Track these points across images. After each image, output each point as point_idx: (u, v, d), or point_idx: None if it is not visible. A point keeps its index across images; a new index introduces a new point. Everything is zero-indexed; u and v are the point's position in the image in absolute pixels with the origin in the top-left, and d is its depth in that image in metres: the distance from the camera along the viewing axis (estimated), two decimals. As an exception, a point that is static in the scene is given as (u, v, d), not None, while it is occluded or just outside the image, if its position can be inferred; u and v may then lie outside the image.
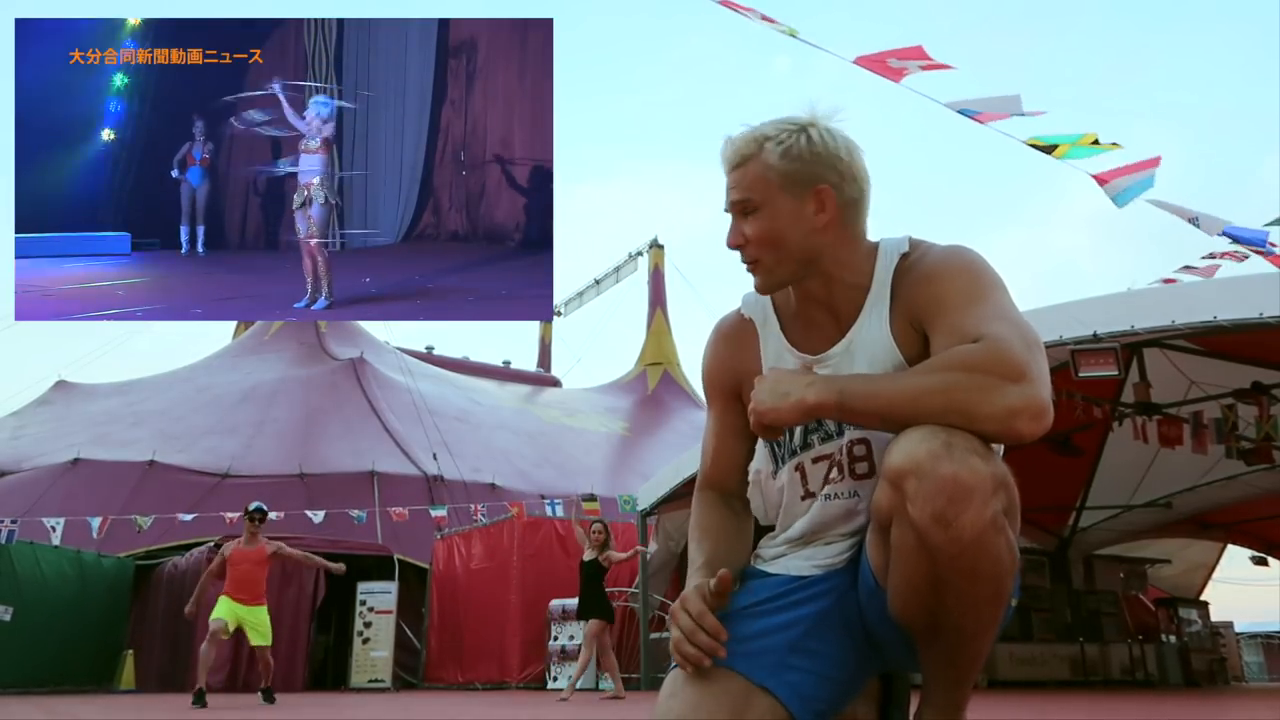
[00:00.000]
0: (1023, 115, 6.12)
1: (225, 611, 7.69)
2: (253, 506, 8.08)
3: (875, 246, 1.52)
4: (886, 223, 1.61)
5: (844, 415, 1.37)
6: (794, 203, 1.46)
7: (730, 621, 1.45)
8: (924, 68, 5.83)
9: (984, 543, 1.23)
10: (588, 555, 8.95)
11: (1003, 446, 1.51)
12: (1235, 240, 7.43)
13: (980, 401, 1.25)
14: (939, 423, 1.25)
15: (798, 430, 1.53)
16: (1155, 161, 6.73)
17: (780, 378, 1.40)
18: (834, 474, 1.49)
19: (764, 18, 5.69)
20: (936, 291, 1.43)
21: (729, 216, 1.53)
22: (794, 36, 5.86)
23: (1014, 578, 1.31)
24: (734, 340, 1.63)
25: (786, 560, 1.54)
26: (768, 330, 1.60)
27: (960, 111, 6.14)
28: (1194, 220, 6.89)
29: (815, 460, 1.52)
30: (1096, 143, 6.31)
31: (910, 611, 1.34)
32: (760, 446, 1.60)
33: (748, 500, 1.63)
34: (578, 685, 10.33)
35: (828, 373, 1.47)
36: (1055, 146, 6.41)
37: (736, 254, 1.53)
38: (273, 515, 13.61)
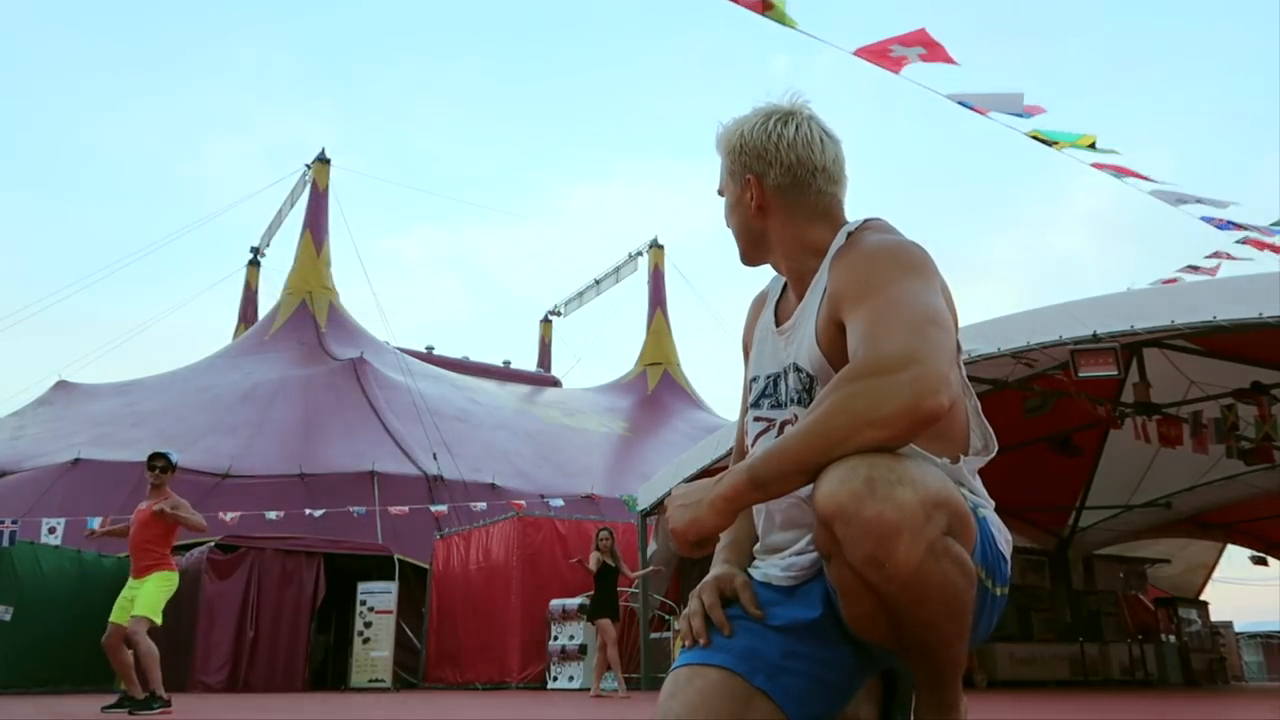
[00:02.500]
0: (1021, 116, 6.13)
1: (117, 607, 6.53)
2: (155, 450, 6.49)
3: (843, 226, 1.58)
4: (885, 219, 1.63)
5: (765, 489, 1.32)
6: (738, 190, 1.62)
7: (731, 623, 1.47)
8: (923, 57, 5.77)
9: (924, 573, 1.21)
10: (610, 562, 9.08)
11: (995, 446, 1.52)
12: (1239, 227, 7.46)
13: (880, 403, 1.22)
14: (854, 443, 1.23)
15: (756, 388, 1.61)
16: (1149, 178, 6.80)
17: (687, 489, 1.40)
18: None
19: (764, 5, 5.64)
20: (849, 280, 1.44)
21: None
22: (794, 28, 5.83)
23: (973, 588, 1.29)
24: (752, 311, 1.78)
25: (766, 568, 1.55)
26: (770, 301, 1.71)
27: (960, 102, 6.15)
28: (1200, 199, 6.90)
29: (757, 419, 1.58)
30: (1094, 146, 6.34)
31: (870, 635, 1.34)
32: (754, 427, 1.63)
33: None
34: (582, 685, 10.34)
35: (786, 340, 1.56)
36: (1056, 141, 6.43)
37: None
38: (272, 515, 13.69)
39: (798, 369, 1.52)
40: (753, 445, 1.61)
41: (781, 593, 1.50)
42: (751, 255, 1.66)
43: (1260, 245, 8.02)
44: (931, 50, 5.75)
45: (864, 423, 1.23)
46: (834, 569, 1.30)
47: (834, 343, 1.44)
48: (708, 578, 1.56)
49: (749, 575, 1.56)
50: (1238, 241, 8.45)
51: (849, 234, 1.54)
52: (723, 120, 1.66)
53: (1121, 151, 6.45)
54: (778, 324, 1.62)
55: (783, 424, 1.53)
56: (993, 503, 1.48)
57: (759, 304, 1.76)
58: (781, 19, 5.74)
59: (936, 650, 1.33)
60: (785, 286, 1.69)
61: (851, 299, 1.40)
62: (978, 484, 1.49)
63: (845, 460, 1.23)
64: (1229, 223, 7.61)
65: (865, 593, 1.26)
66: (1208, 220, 7.51)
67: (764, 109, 1.62)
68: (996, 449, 1.52)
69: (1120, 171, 6.78)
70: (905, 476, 1.21)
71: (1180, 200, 7.07)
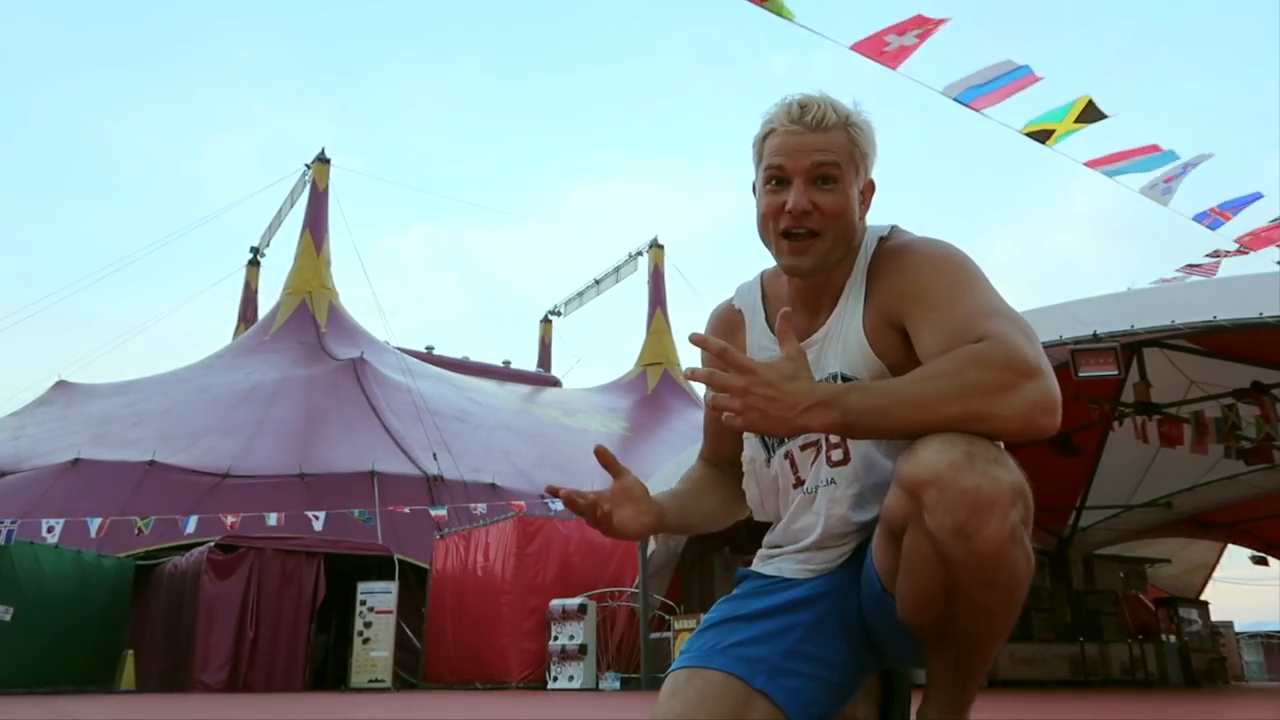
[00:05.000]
0: (1019, 73, 6.12)
1: None
2: None
3: (864, 234, 1.53)
4: (882, 219, 1.58)
5: (850, 433, 1.33)
6: (854, 187, 1.46)
7: (729, 626, 1.47)
8: (920, 36, 5.79)
9: (1003, 555, 1.21)
10: None
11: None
12: (1233, 210, 7.48)
13: (1000, 403, 1.22)
14: (957, 429, 1.23)
15: None
16: (1154, 148, 6.79)
17: (770, 386, 1.27)
18: (817, 460, 1.50)
19: None
20: (914, 284, 1.41)
21: (784, 177, 1.45)
22: (791, 20, 5.85)
23: (1028, 585, 1.30)
24: (723, 329, 1.65)
25: (779, 562, 1.54)
26: (754, 319, 1.61)
27: (956, 99, 6.18)
28: (1189, 165, 6.90)
29: (804, 448, 1.53)
30: (1090, 105, 6.34)
31: (922, 618, 1.33)
32: (749, 435, 1.60)
33: (741, 471, 1.65)
34: (582, 685, 10.33)
35: (811, 354, 1.48)
36: (1050, 133, 6.45)
37: (761, 222, 1.49)
38: (272, 518, 13.69)
39: (843, 379, 1.47)
40: (796, 472, 1.55)
41: (789, 588, 1.50)
42: (836, 260, 1.47)
43: (1256, 244, 8.03)
44: (927, 30, 5.78)
45: (976, 416, 1.23)
46: (909, 539, 1.28)
47: (890, 348, 1.42)
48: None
49: (754, 570, 1.57)
50: (1236, 240, 8.46)
51: (881, 239, 1.50)
52: (823, 92, 1.48)
53: (1115, 115, 6.46)
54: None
55: (831, 445, 1.49)
56: None
57: (730, 328, 1.64)
58: (779, 10, 5.77)
59: (978, 644, 1.33)
60: (763, 302, 1.61)
61: (936, 298, 1.37)
62: None
63: (945, 433, 1.23)
64: (1218, 221, 7.65)
65: (936, 569, 1.25)
66: (1200, 219, 7.55)
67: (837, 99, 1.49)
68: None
69: (1114, 161, 6.79)
70: (1002, 459, 1.22)
71: (1167, 180, 7.09)
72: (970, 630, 1.31)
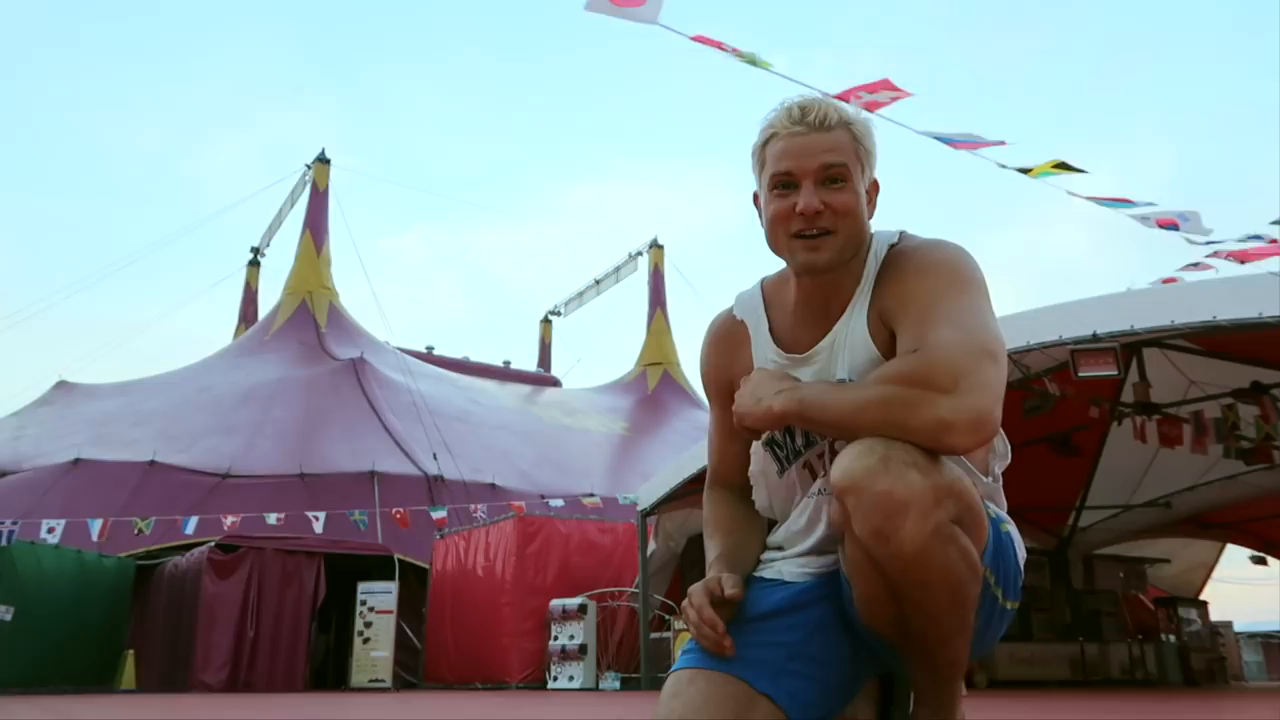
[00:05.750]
0: (987, 145, 6.25)
1: None
2: None
3: (871, 238, 1.52)
4: (880, 222, 1.58)
5: (805, 424, 1.40)
6: (861, 185, 1.46)
7: (731, 628, 1.47)
8: (893, 99, 5.88)
9: (928, 555, 1.22)
10: None
11: (1008, 449, 1.53)
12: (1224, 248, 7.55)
13: (911, 415, 1.24)
14: (880, 434, 1.25)
15: (798, 430, 1.53)
16: (1129, 200, 6.91)
17: (759, 382, 1.45)
18: (824, 467, 1.51)
19: (735, 52, 5.74)
20: (904, 290, 1.41)
21: (790, 180, 1.43)
22: (768, 70, 5.91)
23: (978, 584, 1.30)
24: (726, 343, 1.63)
25: (780, 565, 1.55)
26: (758, 331, 1.58)
27: (937, 138, 6.26)
28: (1183, 220, 6.98)
29: (820, 456, 1.53)
30: (1063, 165, 6.44)
31: (876, 621, 1.35)
32: (759, 447, 1.59)
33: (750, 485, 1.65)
34: (582, 685, 10.33)
35: (816, 369, 1.48)
36: (1029, 169, 6.55)
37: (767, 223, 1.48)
38: (272, 518, 13.69)
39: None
40: (815, 480, 1.54)
41: (791, 591, 1.51)
42: (849, 258, 1.46)
43: (1247, 258, 8.07)
44: (896, 97, 5.89)
45: (892, 425, 1.26)
46: (846, 544, 1.32)
47: (893, 351, 1.42)
48: (697, 583, 1.55)
49: (756, 574, 1.57)
50: (1239, 239, 8.47)
51: (890, 245, 1.50)
52: (823, 94, 1.52)
53: (1090, 172, 6.59)
54: (795, 350, 1.53)
55: (831, 442, 1.48)
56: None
57: (734, 341, 1.61)
58: (754, 61, 5.83)
59: (937, 645, 1.34)
60: (765, 311, 1.59)
61: (915, 305, 1.38)
62: (1002, 499, 1.50)
63: (868, 439, 1.26)
64: (1209, 243, 7.73)
65: (873, 572, 1.28)
66: (1191, 241, 7.61)
67: (838, 102, 1.50)
68: (1010, 458, 1.54)
69: (1099, 199, 6.88)
70: (919, 462, 1.23)
71: (1160, 224, 7.17)
72: (923, 632, 1.32)
